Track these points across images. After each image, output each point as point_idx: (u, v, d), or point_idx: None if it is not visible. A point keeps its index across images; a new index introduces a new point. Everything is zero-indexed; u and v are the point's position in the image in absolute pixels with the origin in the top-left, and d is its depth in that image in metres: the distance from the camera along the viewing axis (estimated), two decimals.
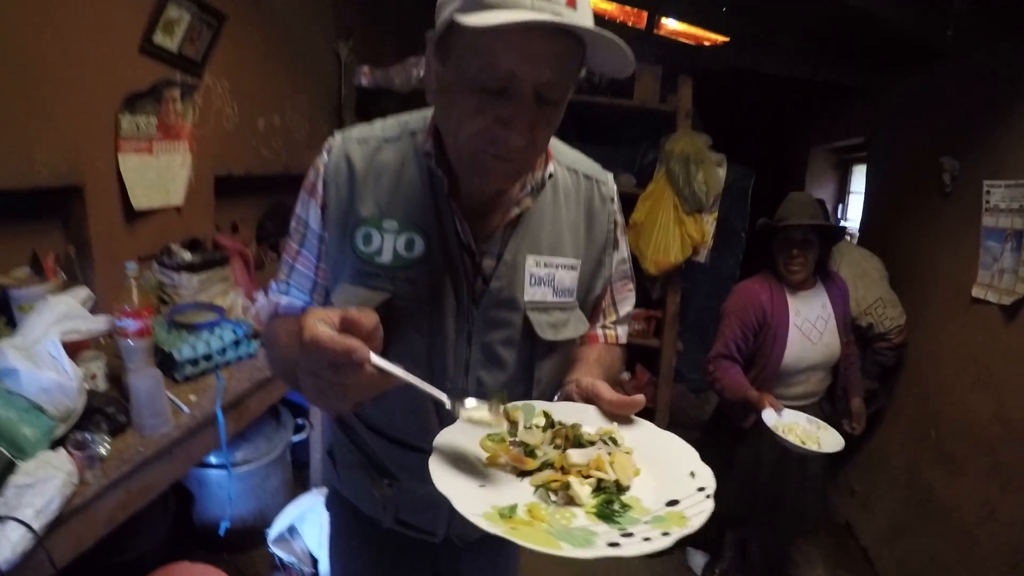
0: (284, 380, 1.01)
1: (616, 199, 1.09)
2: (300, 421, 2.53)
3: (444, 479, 0.69)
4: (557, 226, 1.00)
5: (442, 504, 0.84)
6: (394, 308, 0.93)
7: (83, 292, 1.73)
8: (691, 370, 4.11)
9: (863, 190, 4.38)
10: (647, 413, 3.17)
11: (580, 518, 0.67)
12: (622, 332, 1.17)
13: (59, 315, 1.54)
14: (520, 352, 1.00)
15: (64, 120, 1.90)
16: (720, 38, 4.01)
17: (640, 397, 0.83)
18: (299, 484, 2.61)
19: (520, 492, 0.71)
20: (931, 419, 2.72)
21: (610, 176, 1.10)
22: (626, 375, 3.88)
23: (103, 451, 1.43)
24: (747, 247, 4.06)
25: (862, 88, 4.09)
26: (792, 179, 5.65)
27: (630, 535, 0.62)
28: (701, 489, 0.68)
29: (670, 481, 0.72)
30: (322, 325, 0.64)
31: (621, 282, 1.15)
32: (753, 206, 4.15)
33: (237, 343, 1.96)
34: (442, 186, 0.93)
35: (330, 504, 1.33)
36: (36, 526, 1.20)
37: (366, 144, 0.98)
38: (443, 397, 0.74)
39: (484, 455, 0.75)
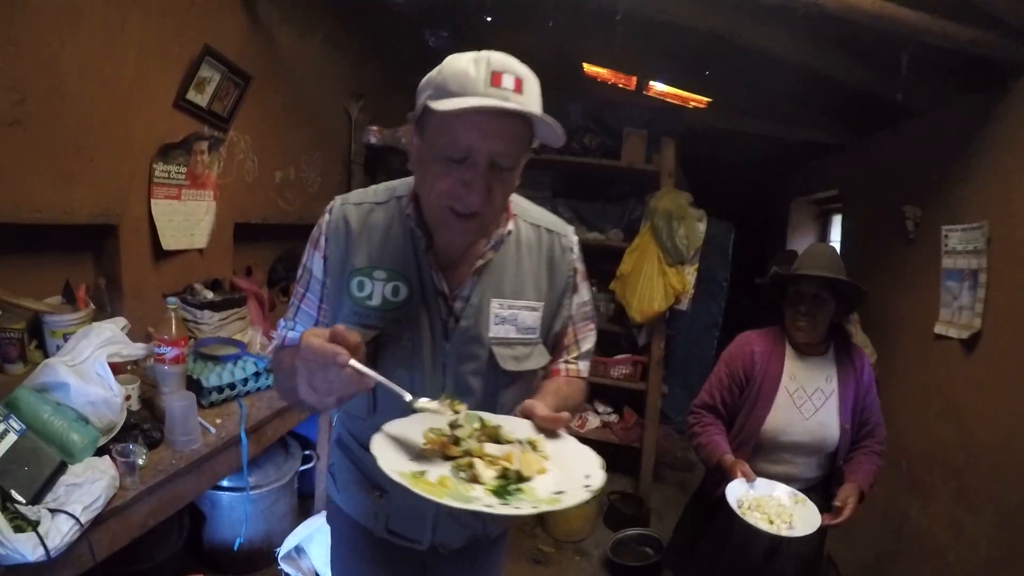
0: (286, 397, 1.18)
1: (576, 249, 1.26)
2: (308, 452, 2.66)
3: (380, 448, 0.90)
4: (519, 273, 1.18)
5: (427, 515, 1.02)
6: (382, 343, 1.12)
7: (122, 321, 1.90)
8: (676, 412, 4.30)
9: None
10: (635, 452, 3.27)
11: (477, 491, 0.85)
12: (584, 367, 1.30)
13: (105, 339, 1.70)
14: (486, 381, 1.17)
15: (104, 165, 2.11)
16: (704, 99, 4.35)
17: (564, 415, 1.00)
18: (303, 511, 2.72)
19: (440, 469, 0.90)
20: (902, 451, 2.83)
21: (570, 229, 1.28)
22: (614, 417, 4.06)
23: (141, 461, 1.57)
24: (754, 296, 4.33)
25: (836, 144, 4.40)
26: (775, 230, 5.92)
27: (508, 499, 0.83)
28: (587, 486, 0.87)
29: (567, 480, 0.90)
30: (315, 337, 0.85)
31: (583, 322, 1.29)
32: (738, 257, 4.40)
33: (257, 375, 2.12)
34: (421, 243, 1.12)
35: (331, 518, 1.47)
36: (83, 520, 1.33)
37: (360, 207, 1.18)
38: (405, 394, 0.93)
39: (423, 444, 0.94)
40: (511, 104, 0.94)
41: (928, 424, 2.69)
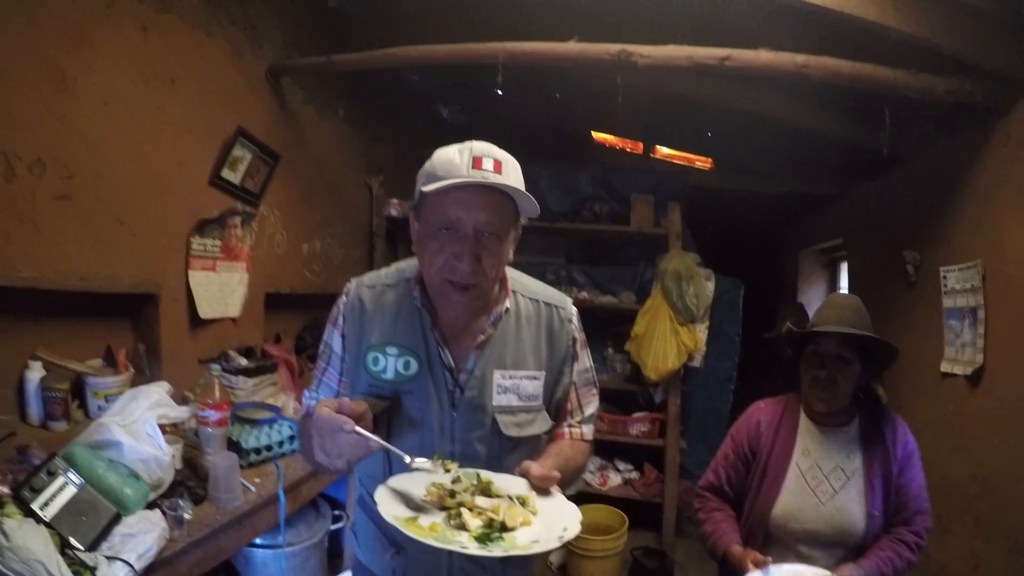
0: (308, 461, 1.26)
1: (575, 320, 1.36)
2: (337, 513, 2.72)
3: (381, 496, 1.04)
4: (519, 345, 1.27)
5: (442, 570, 1.12)
6: (395, 412, 1.22)
7: (165, 385, 2.02)
8: (696, 467, 4.28)
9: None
10: (656, 508, 3.29)
11: (462, 537, 0.96)
12: (587, 430, 1.38)
13: (153, 402, 1.83)
14: (491, 446, 1.25)
15: (145, 237, 2.29)
16: (707, 160, 4.58)
17: (555, 475, 1.11)
18: (333, 569, 2.75)
19: (433, 517, 1.02)
20: None
21: (568, 301, 1.38)
22: (635, 474, 4.14)
23: (188, 515, 1.66)
24: (764, 350, 4.43)
25: (836, 195, 4.57)
26: (786, 280, 6.02)
27: (488, 544, 0.95)
28: (561, 536, 0.98)
29: (546, 532, 1.00)
30: (325, 408, 1.00)
31: (585, 388, 1.37)
32: (749, 311, 4.52)
33: (292, 438, 2.22)
34: (427, 320, 1.24)
35: (355, 572, 1.53)
36: (137, 567, 1.42)
37: (373, 289, 1.30)
38: (404, 456, 1.06)
39: (424, 496, 1.06)
40: (489, 180, 1.09)
41: (941, 460, 2.70)
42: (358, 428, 0.98)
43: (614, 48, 2.35)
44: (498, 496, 1.07)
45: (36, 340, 2.01)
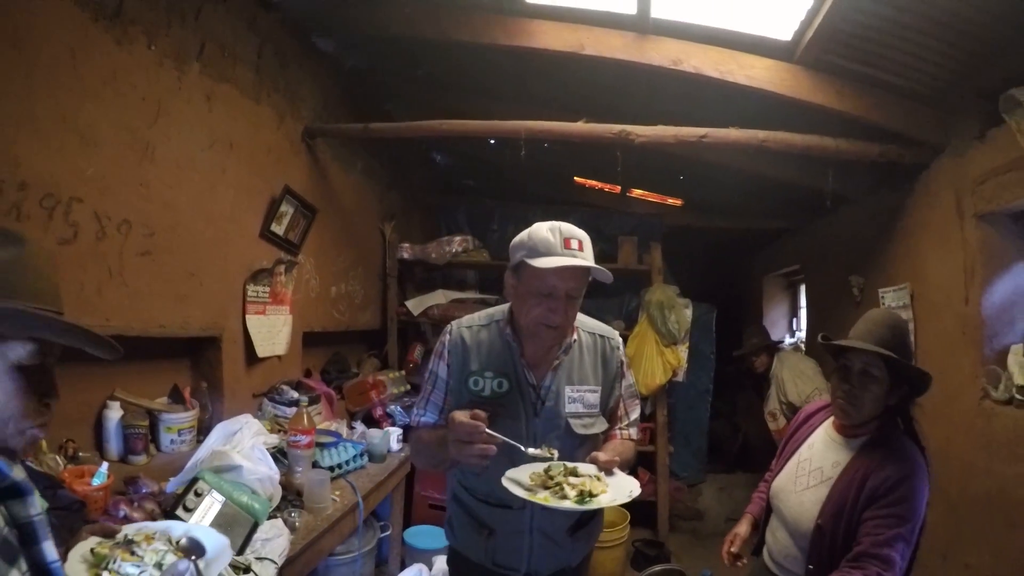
0: (426, 464, 1.73)
1: (621, 348, 1.76)
2: (383, 523, 3.06)
3: (508, 482, 1.44)
4: (583, 367, 1.67)
5: (523, 548, 1.62)
6: (493, 421, 1.49)
7: (248, 417, 2.35)
8: (682, 469, 4.87)
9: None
10: (651, 506, 3.80)
11: (566, 503, 1.38)
12: (633, 432, 1.78)
13: (255, 431, 2.16)
14: (564, 443, 1.60)
15: (210, 286, 2.61)
16: (678, 201, 5.15)
17: (615, 459, 1.53)
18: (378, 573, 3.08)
19: (543, 493, 1.42)
20: None
21: (616, 333, 1.78)
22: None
23: (298, 523, 2.00)
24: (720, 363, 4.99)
25: (794, 228, 5.18)
26: (753, 303, 6.61)
27: (586, 503, 1.38)
28: (630, 493, 1.43)
29: (618, 494, 1.43)
30: (462, 415, 1.39)
31: (631, 399, 1.77)
32: (722, 331, 5.08)
33: (356, 457, 2.58)
34: (516, 351, 1.63)
35: (450, 560, 1.90)
36: (279, 564, 1.76)
37: (470, 329, 1.69)
38: (520, 446, 1.47)
39: (530, 482, 1.46)
40: (579, 261, 1.48)
41: None
42: (488, 431, 1.38)
43: (616, 128, 2.84)
44: (582, 476, 1.46)
45: (112, 382, 2.28)
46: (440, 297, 4.54)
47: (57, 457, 1.85)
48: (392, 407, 3.72)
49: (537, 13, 2.73)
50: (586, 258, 1.51)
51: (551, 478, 1.45)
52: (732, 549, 1.87)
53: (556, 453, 1.51)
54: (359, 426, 3.19)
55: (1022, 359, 2.44)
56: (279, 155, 3.08)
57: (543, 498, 1.38)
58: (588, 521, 1.76)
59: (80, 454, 2.01)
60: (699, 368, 4.84)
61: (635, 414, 1.80)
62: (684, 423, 4.92)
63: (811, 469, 1.73)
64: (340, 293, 3.72)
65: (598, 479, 1.46)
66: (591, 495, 1.39)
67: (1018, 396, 2.45)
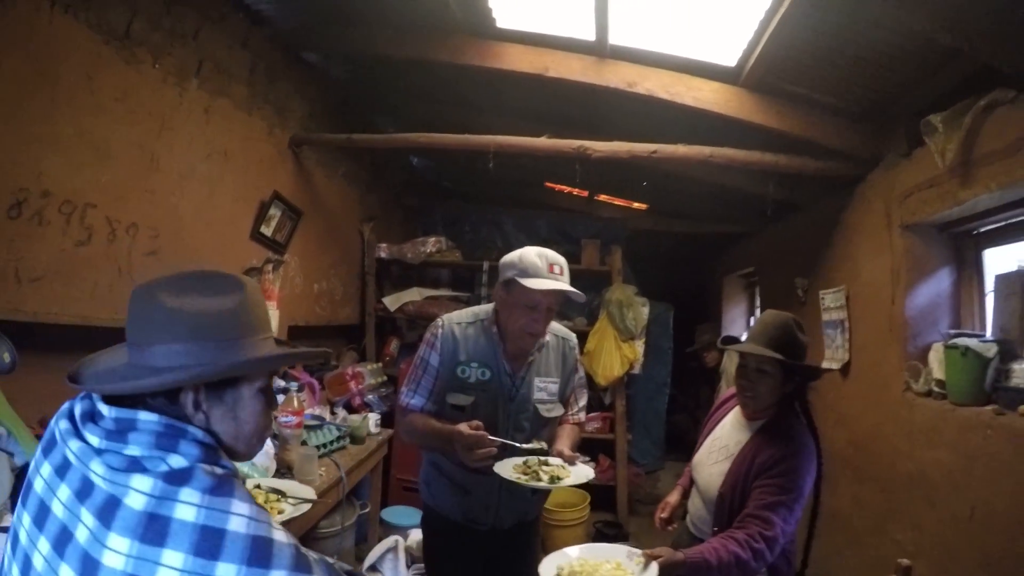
0: (421, 445, 2.03)
1: (577, 347, 2.11)
2: (362, 502, 3.32)
3: (500, 469, 1.78)
4: (549, 363, 2.01)
5: (491, 505, 2.02)
6: (476, 404, 1.90)
7: None
8: (641, 456, 5.22)
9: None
10: (611, 490, 4.19)
11: (543, 483, 1.76)
12: (581, 415, 2.13)
13: None
14: (532, 423, 1.97)
15: None
16: (642, 205, 5.49)
17: (576, 455, 1.90)
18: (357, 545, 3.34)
19: (524, 477, 1.78)
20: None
21: (573, 336, 2.12)
22: (592, 464, 4.88)
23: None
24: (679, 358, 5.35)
25: (749, 233, 5.54)
26: (713, 302, 6.98)
27: (555, 483, 1.79)
28: (587, 476, 1.84)
29: (578, 477, 1.82)
30: (467, 426, 1.69)
31: (580, 389, 2.14)
32: (682, 328, 5.43)
33: (339, 439, 2.83)
34: (500, 347, 1.94)
35: (424, 519, 2.17)
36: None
37: (459, 325, 1.97)
38: (516, 443, 1.82)
39: (514, 470, 1.81)
40: (560, 285, 1.81)
41: (828, 432, 3.49)
42: (489, 436, 1.70)
43: (575, 143, 3.15)
44: (552, 465, 1.85)
45: None
46: (415, 294, 4.82)
47: None
48: (370, 396, 3.98)
49: (507, 37, 3.00)
50: (566, 282, 1.84)
51: (530, 467, 1.81)
52: (663, 515, 2.12)
53: (545, 444, 1.87)
54: (340, 412, 3.45)
55: (942, 356, 2.70)
56: (268, 162, 3.32)
57: (525, 480, 1.75)
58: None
59: None
60: (657, 363, 5.19)
61: (583, 401, 2.16)
62: (644, 413, 5.26)
63: (720, 446, 1.97)
64: (322, 290, 3.97)
65: (563, 467, 1.84)
66: (558, 478, 1.79)
67: (936, 389, 2.74)
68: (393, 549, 2.88)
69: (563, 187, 5.63)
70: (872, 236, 3.25)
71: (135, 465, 0.81)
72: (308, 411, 3.15)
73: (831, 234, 3.72)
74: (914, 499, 2.83)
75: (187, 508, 0.79)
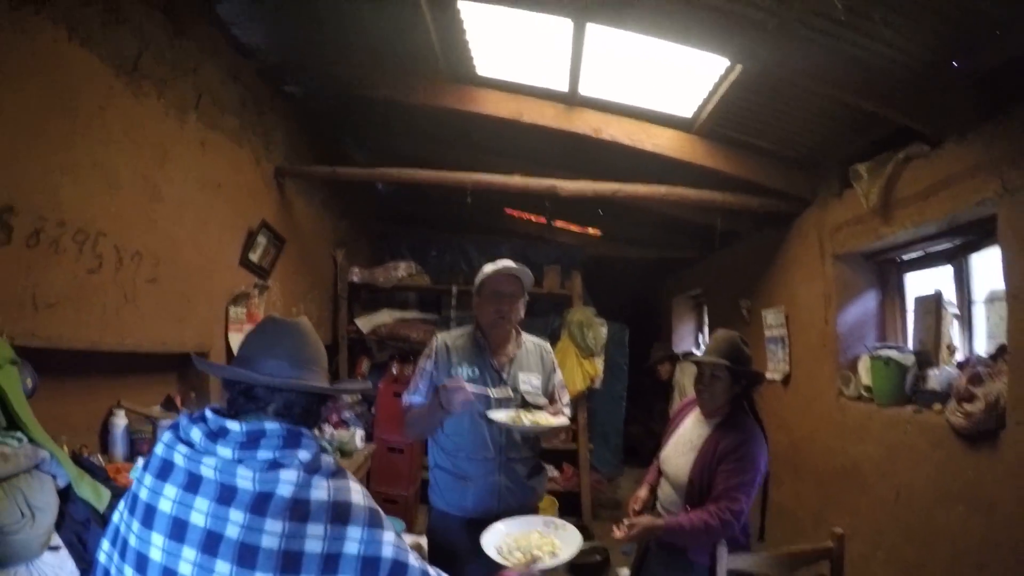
0: (420, 432, 2.24)
1: (551, 353, 2.43)
2: None
3: (495, 417, 2.07)
4: (529, 362, 2.30)
5: (495, 492, 2.25)
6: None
7: None
8: (601, 464, 5.60)
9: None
10: (575, 496, 4.57)
11: (527, 424, 2.07)
12: (567, 411, 2.31)
13: None
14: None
15: (200, 309, 2.98)
16: (597, 231, 5.87)
17: (558, 407, 2.26)
18: None
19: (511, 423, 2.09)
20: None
21: (548, 344, 2.44)
22: (557, 472, 5.25)
23: None
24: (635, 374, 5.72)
25: (696, 258, 6.01)
26: (664, 320, 7.43)
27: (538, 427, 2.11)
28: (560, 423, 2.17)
29: (557, 423, 2.13)
30: (448, 380, 2.00)
31: (561, 388, 2.40)
32: (637, 346, 5.81)
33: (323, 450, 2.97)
34: (487, 349, 2.23)
35: (432, 523, 2.33)
36: None
37: (451, 336, 2.28)
38: (487, 391, 2.12)
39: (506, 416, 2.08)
40: (506, 262, 2.18)
41: (772, 435, 3.82)
42: (469, 385, 1.94)
43: (546, 182, 3.51)
44: (536, 415, 2.13)
45: (114, 394, 2.57)
46: (386, 316, 4.99)
47: (99, 456, 2.17)
48: (347, 414, 4.12)
49: (486, 83, 3.30)
50: (515, 268, 2.20)
51: (518, 415, 2.10)
52: (636, 507, 2.42)
53: (517, 395, 2.18)
54: (327, 428, 3.58)
55: (868, 366, 3.11)
56: (255, 192, 3.47)
57: (512, 419, 2.06)
58: (537, 472, 2.35)
59: (91, 457, 2.19)
60: (614, 378, 5.55)
61: (566, 398, 2.42)
62: (603, 424, 5.61)
63: (685, 441, 2.33)
64: (299, 313, 4.10)
65: (547, 419, 2.14)
66: (539, 423, 2.09)
67: (864, 394, 3.16)
68: None
69: (522, 214, 5.95)
70: (808, 263, 3.68)
71: (275, 464, 1.02)
72: None
73: (771, 261, 4.16)
74: (848, 488, 3.22)
75: (320, 490, 1.01)
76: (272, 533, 0.95)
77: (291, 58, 3.46)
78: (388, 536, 1.04)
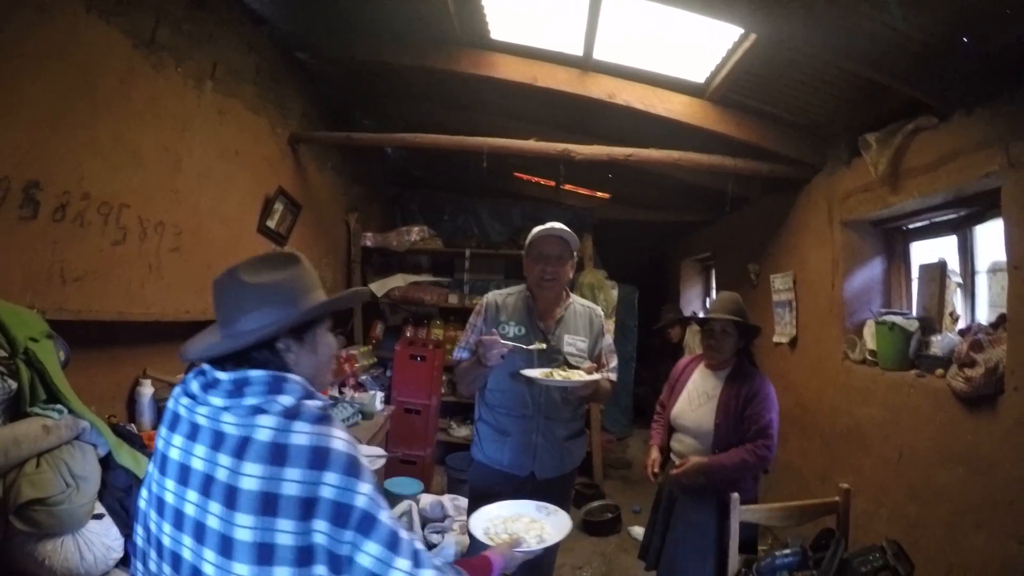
0: (468, 386, 2.32)
1: (602, 317, 2.45)
2: None
3: (529, 374, 2.15)
4: (576, 324, 2.34)
5: (531, 450, 2.34)
6: (512, 354, 2.14)
7: None
8: (612, 424, 5.73)
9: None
10: (587, 456, 4.69)
11: (559, 378, 2.13)
12: (613, 376, 2.40)
13: None
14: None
15: None
16: (605, 195, 5.86)
17: (596, 366, 2.26)
18: None
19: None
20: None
21: (599, 308, 2.47)
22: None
23: None
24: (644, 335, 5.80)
25: (706, 221, 6.02)
26: (673, 283, 7.48)
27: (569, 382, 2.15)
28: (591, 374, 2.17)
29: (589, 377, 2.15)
30: (485, 336, 2.08)
31: (610, 353, 2.42)
32: (646, 308, 5.88)
33: (353, 415, 3.11)
34: (534, 309, 2.31)
35: (473, 474, 2.44)
36: None
37: (500, 295, 2.37)
38: (523, 345, 2.16)
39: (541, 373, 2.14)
40: (557, 229, 2.24)
41: (779, 396, 3.91)
42: (503, 340, 2.05)
43: (560, 147, 3.49)
44: (570, 371, 2.20)
45: (140, 363, 2.65)
46: (400, 280, 5.08)
47: (132, 425, 2.27)
48: (364, 377, 4.25)
49: (500, 48, 3.28)
50: (561, 230, 2.27)
51: (551, 372, 2.16)
52: (655, 469, 2.64)
53: (546, 345, 2.22)
54: (347, 391, 3.71)
55: (874, 331, 3.18)
56: (272, 159, 3.51)
57: (544, 375, 2.11)
58: (577, 435, 2.43)
59: (126, 426, 2.27)
60: (624, 339, 5.63)
61: (614, 362, 2.45)
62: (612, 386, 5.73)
63: (700, 393, 2.61)
64: None
65: (581, 375, 2.16)
66: (570, 378, 2.14)
67: (869, 358, 3.23)
68: (407, 512, 3.18)
69: (531, 178, 5.95)
70: (816, 229, 3.71)
71: (257, 410, 1.04)
72: None
73: (780, 226, 4.18)
74: (852, 449, 3.33)
75: (300, 435, 1.02)
76: (252, 476, 0.99)
77: (304, 25, 3.44)
78: (364, 487, 1.02)
